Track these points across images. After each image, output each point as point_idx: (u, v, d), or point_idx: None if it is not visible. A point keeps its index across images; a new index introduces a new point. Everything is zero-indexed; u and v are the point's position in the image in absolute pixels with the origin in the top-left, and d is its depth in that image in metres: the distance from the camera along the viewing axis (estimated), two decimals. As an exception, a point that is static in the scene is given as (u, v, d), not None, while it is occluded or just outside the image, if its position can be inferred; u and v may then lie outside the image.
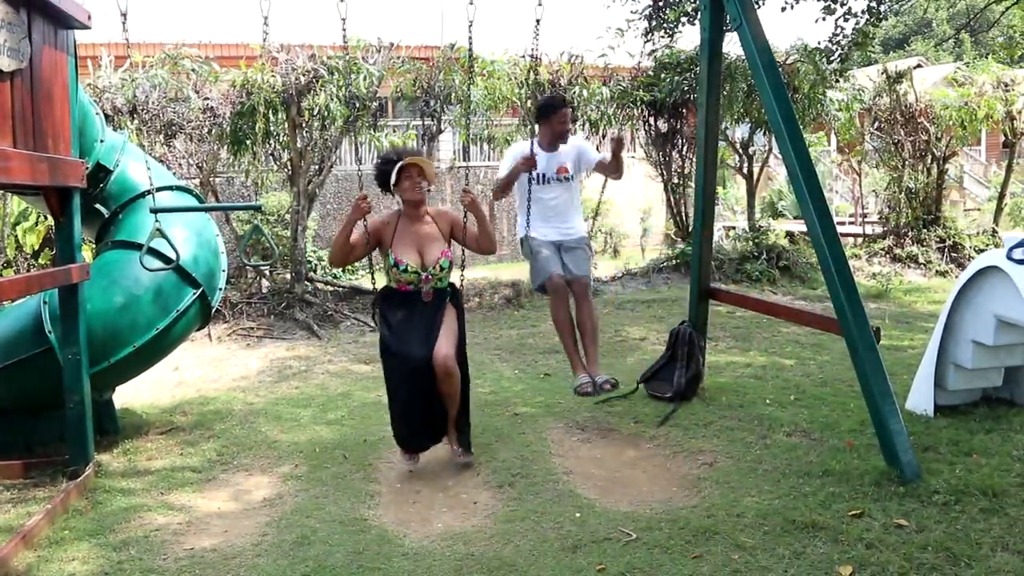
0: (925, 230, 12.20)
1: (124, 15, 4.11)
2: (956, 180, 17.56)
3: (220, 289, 5.12)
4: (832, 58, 10.30)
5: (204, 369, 6.79)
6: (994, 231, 12.68)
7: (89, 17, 4.06)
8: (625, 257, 14.93)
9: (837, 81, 10.99)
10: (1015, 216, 16.00)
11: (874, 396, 3.86)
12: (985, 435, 4.31)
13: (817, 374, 5.95)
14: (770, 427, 4.66)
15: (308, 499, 3.90)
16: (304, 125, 8.74)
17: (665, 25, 10.38)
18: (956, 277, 10.43)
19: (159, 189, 4.74)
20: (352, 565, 3.21)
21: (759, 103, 9.99)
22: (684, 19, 10.26)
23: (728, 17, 4.62)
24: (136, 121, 8.49)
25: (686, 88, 10.40)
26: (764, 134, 11.84)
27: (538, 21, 4.35)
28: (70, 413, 4.12)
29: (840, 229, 12.45)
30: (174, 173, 7.44)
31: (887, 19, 12.02)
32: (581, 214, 5.09)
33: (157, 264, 4.50)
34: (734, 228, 14.46)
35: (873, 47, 11.96)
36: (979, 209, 17.76)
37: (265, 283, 9.29)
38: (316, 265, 11.14)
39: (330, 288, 9.58)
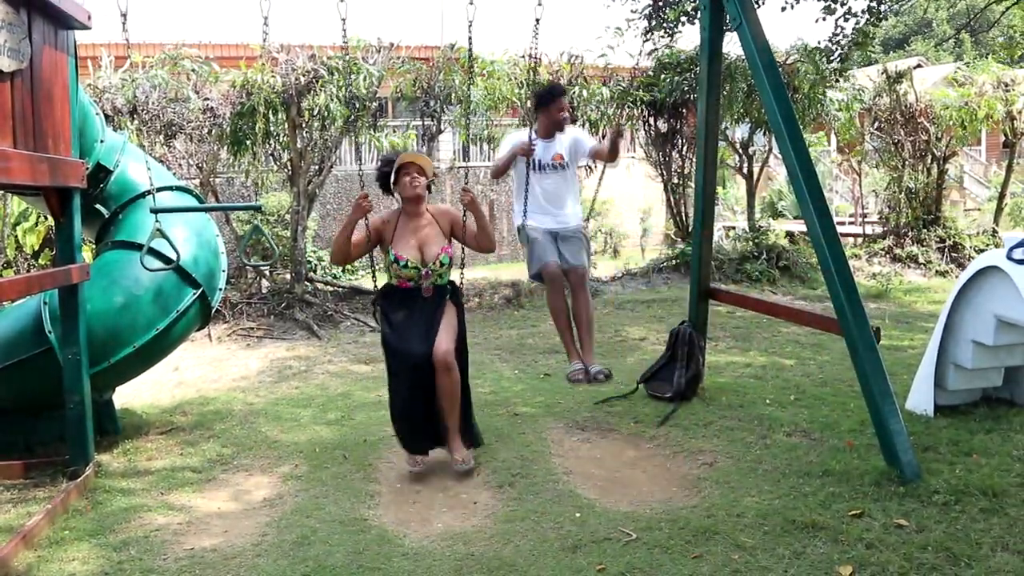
0: (925, 230, 12.20)
1: (124, 15, 4.11)
2: (956, 180, 17.56)
3: (220, 289, 5.12)
4: (832, 58, 10.30)
5: (204, 369, 6.79)
6: (994, 231, 12.68)
7: (89, 17, 4.06)
8: (625, 257, 14.94)
9: (837, 81, 10.99)
10: (1015, 216, 16.00)
11: (874, 396, 3.86)
12: (985, 435, 4.30)
13: (817, 374, 5.94)
14: (770, 427, 4.66)
15: (308, 499, 3.90)
16: (304, 125, 8.75)
17: (665, 25, 10.38)
18: (956, 277, 10.43)
19: (159, 189, 4.74)
20: (352, 565, 3.21)
21: (759, 103, 9.99)
22: (684, 19, 10.26)
23: (728, 17, 4.62)
24: (136, 121, 8.49)
25: (686, 88, 10.40)
26: (764, 134, 11.84)
27: (538, 21, 4.35)
28: (70, 413, 4.12)
29: (840, 229, 12.44)
30: (174, 173, 7.44)
31: (887, 19, 12.02)
32: (578, 203, 5.11)
33: (157, 264, 4.51)
34: (734, 228, 14.46)
35: (873, 47, 11.96)
36: (979, 209, 17.76)
37: (265, 283, 9.29)
38: (316, 265, 11.14)
39: (330, 288, 9.58)
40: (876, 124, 12.63)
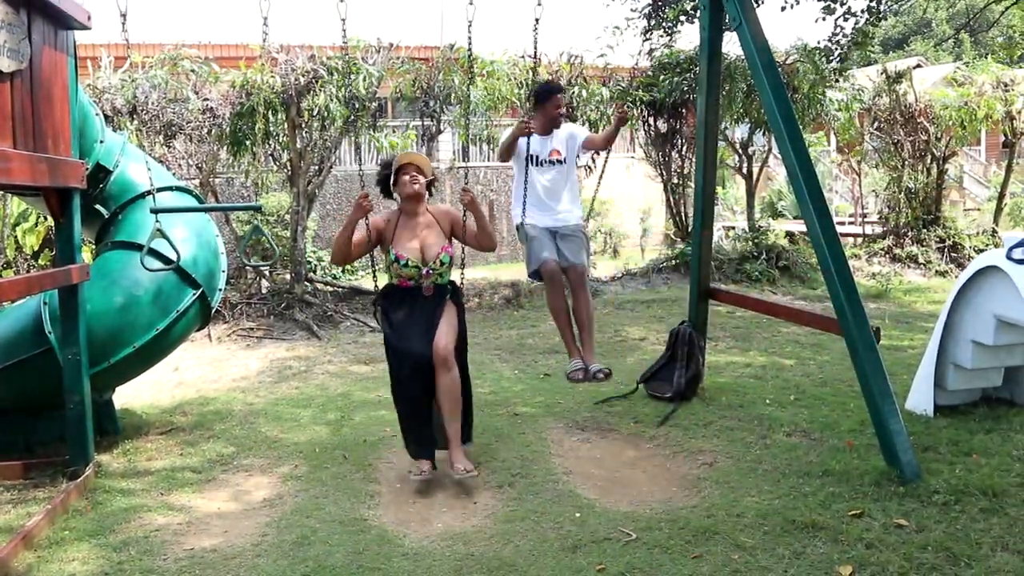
0: (925, 230, 12.20)
1: (124, 16, 4.11)
2: (956, 180, 17.57)
3: (220, 290, 5.12)
4: (832, 58, 10.30)
5: (204, 369, 6.79)
6: (994, 231, 12.69)
7: (89, 18, 4.06)
8: (625, 257, 14.94)
9: (837, 81, 10.99)
10: (1015, 216, 16.00)
11: (874, 396, 3.86)
12: (985, 435, 4.31)
13: (817, 374, 5.95)
14: (770, 427, 4.66)
15: (308, 499, 3.90)
16: (304, 126, 8.75)
17: (664, 24, 10.38)
18: (956, 277, 10.43)
19: (159, 190, 4.74)
20: (352, 565, 3.21)
21: (759, 103, 9.99)
22: (683, 18, 10.26)
23: (727, 17, 4.62)
24: (136, 122, 8.49)
25: (685, 88, 10.40)
26: (764, 134, 11.84)
27: (537, 21, 4.35)
28: (70, 413, 4.12)
29: (840, 229, 12.43)
30: (174, 174, 7.44)
31: (887, 19, 12.03)
32: (578, 202, 5.09)
33: (157, 264, 4.50)
34: (734, 228, 14.46)
35: (873, 47, 11.98)
36: (979, 209, 17.77)
37: (265, 283, 9.29)
38: (316, 265, 11.14)
39: (330, 288, 9.58)
40: (876, 124, 12.63)
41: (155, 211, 4.32)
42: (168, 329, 4.69)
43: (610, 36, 10.84)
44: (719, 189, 17.19)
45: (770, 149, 12.21)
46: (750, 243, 11.24)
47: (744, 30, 4.36)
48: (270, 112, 8.40)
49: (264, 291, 9.07)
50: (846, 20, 9.76)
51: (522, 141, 4.71)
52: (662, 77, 10.64)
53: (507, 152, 4.86)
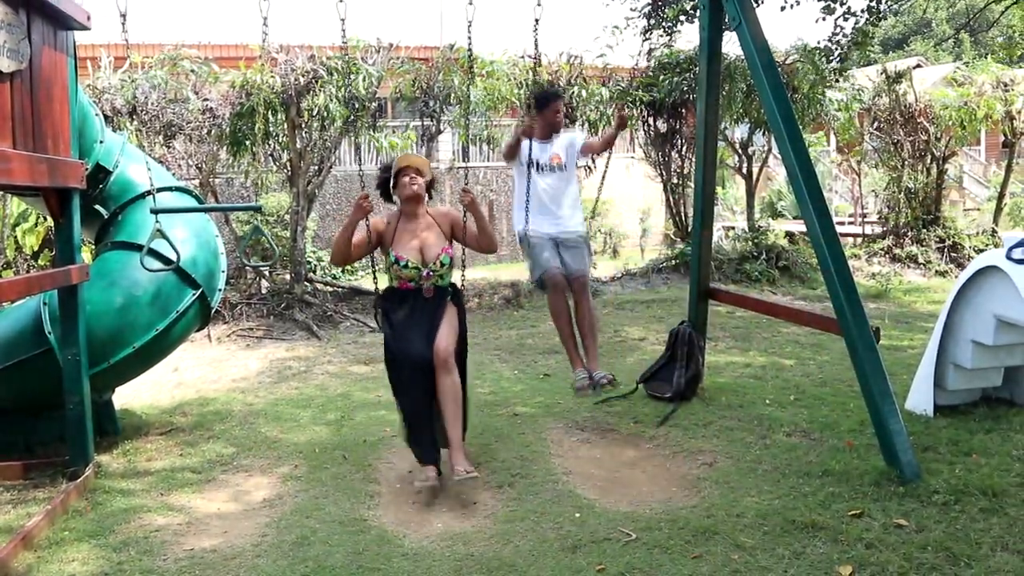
0: (925, 230, 12.21)
1: (123, 16, 4.11)
2: (956, 180, 17.58)
3: (220, 290, 5.12)
4: (832, 58, 10.30)
5: (204, 370, 6.79)
6: (994, 231, 12.69)
7: (88, 18, 4.06)
8: (624, 257, 14.94)
9: (837, 81, 10.99)
10: (1015, 216, 16.01)
11: (874, 396, 3.86)
12: (985, 435, 4.31)
13: (817, 374, 5.95)
14: (770, 427, 4.66)
15: (308, 500, 3.90)
16: (303, 126, 8.75)
17: (664, 24, 10.38)
18: (956, 277, 10.43)
19: (159, 190, 4.73)
20: (352, 565, 3.21)
21: (758, 103, 9.99)
22: (683, 18, 10.25)
23: (727, 17, 4.62)
24: (135, 122, 8.49)
25: (685, 88, 10.40)
26: (763, 134, 11.84)
27: (537, 21, 4.35)
28: (70, 414, 4.12)
29: (839, 229, 12.46)
30: (173, 174, 7.44)
31: (887, 19, 12.03)
32: (580, 209, 5.07)
33: (157, 265, 4.50)
34: (733, 228, 14.47)
35: (872, 47, 11.97)
36: (979, 209, 17.77)
37: (264, 284, 9.29)
38: (316, 266, 11.14)
39: (329, 289, 9.58)
40: (875, 124, 12.64)
41: (155, 211, 4.32)
42: (168, 329, 4.69)
43: (609, 36, 10.83)
44: (719, 189, 17.20)
45: (770, 149, 12.21)
46: (750, 243, 11.24)
47: (744, 30, 4.36)
48: (270, 112, 8.39)
49: (264, 291, 9.07)
50: (846, 20, 9.75)
51: (523, 147, 4.70)
52: (662, 77, 10.63)
53: (511, 151, 4.84)
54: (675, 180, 11.41)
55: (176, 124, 8.68)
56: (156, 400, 5.78)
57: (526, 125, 4.64)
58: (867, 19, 9.66)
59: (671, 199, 11.55)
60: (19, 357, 4.42)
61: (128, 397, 5.59)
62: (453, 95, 9.66)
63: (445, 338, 3.97)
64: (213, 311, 5.15)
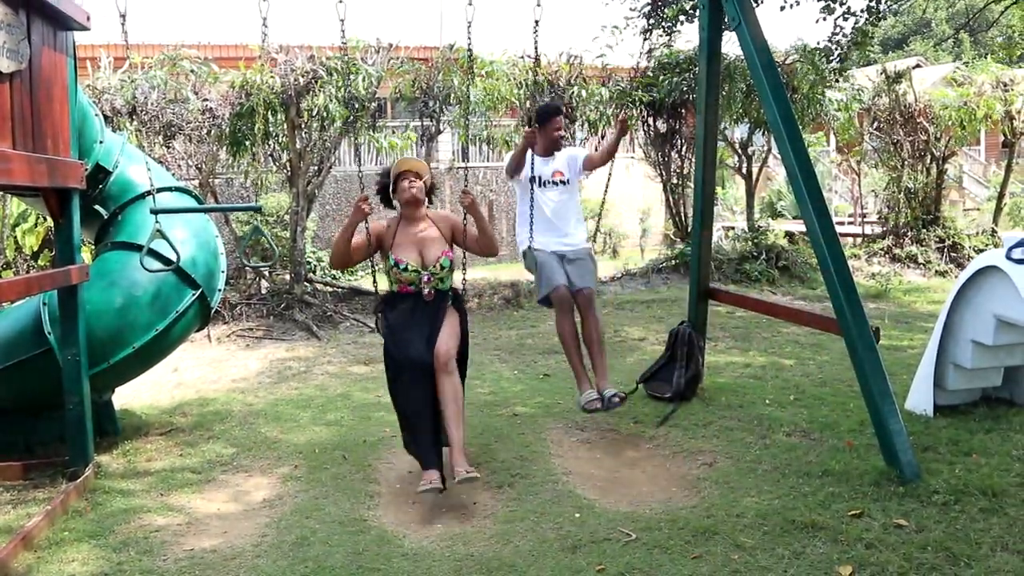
0: (924, 230, 12.21)
1: (123, 16, 4.11)
2: (955, 180, 17.58)
3: (219, 290, 5.12)
4: (831, 58, 10.30)
5: (203, 370, 6.79)
6: (993, 231, 12.69)
7: (88, 18, 4.05)
8: (624, 257, 14.94)
9: (836, 81, 10.99)
10: (1014, 216, 16.01)
11: (873, 396, 3.86)
12: (985, 435, 4.31)
13: (817, 374, 5.95)
14: (770, 427, 4.66)
15: (308, 500, 3.90)
16: (303, 126, 8.75)
17: (663, 23, 10.38)
18: (955, 277, 10.44)
19: (159, 190, 4.73)
20: (352, 566, 3.21)
21: (758, 103, 10.00)
22: (683, 18, 10.25)
23: (727, 17, 4.62)
24: (135, 122, 8.49)
25: (685, 88, 10.40)
26: (763, 134, 11.85)
27: (537, 22, 4.34)
28: (70, 414, 4.12)
29: (839, 229, 12.48)
30: (173, 174, 7.44)
31: (886, 18, 12.04)
32: (583, 224, 4.99)
33: (157, 265, 4.50)
34: (733, 228, 14.47)
35: (872, 47, 11.98)
36: (978, 209, 17.78)
37: (264, 284, 9.29)
38: (315, 266, 11.14)
39: (329, 289, 9.58)
40: (875, 124, 12.64)
41: (155, 212, 4.32)
42: (167, 330, 4.69)
43: (609, 36, 10.83)
44: (719, 189, 17.20)
45: (769, 149, 12.21)
46: (750, 243, 11.24)
47: (743, 30, 4.36)
48: (269, 112, 8.40)
49: (264, 292, 9.07)
50: (845, 20, 9.75)
51: (524, 166, 4.63)
52: (661, 77, 10.64)
53: (517, 164, 4.75)
54: (675, 180, 11.42)
55: (176, 124, 8.68)
56: (156, 400, 5.78)
57: (529, 132, 4.59)
58: (867, 19, 9.67)
59: (671, 199, 11.56)
60: (19, 357, 4.42)
61: (128, 397, 5.59)
62: (453, 95, 9.66)
63: (446, 341, 3.93)
64: (213, 311, 5.15)
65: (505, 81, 9.80)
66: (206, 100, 8.70)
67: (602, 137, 10.59)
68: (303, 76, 8.39)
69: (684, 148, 11.19)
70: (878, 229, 13.28)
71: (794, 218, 17.31)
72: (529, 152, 4.66)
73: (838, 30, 9.87)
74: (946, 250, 12.09)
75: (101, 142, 4.78)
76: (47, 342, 4.36)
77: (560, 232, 4.79)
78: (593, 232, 5.57)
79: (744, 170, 12.24)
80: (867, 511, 3.45)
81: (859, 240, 13.42)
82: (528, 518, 3.60)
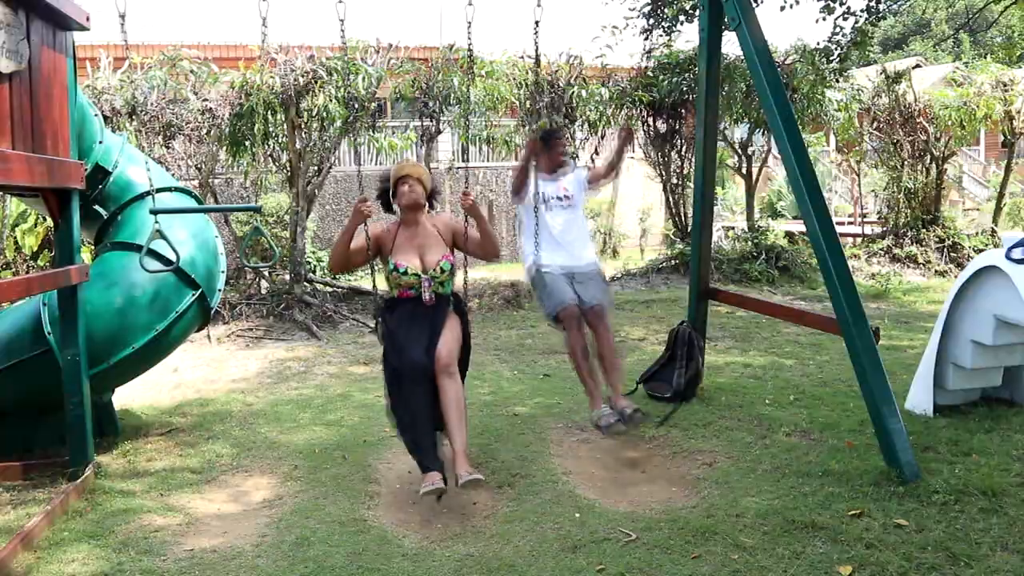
0: (924, 230, 12.22)
1: (123, 17, 4.11)
2: (955, 180, 17.58)
3: (219, 290, 5.11)
4: (831, 58, 10.31)
5: (203, 370, 6.79)
6: (993, 231, 12.70)
7: (88, 19, 4.05)
8: (624, 257, 14.94)
9: (836, 81, 11.00)
10: (1014, 216, 16.02)
11: (873, 396, 3.86)
12: (984, 435, 4.31)
13: (817, 374, 5.95)
14: (769, 427, 4.66)
15: (308, 500, 3.90)
16: (303, 126, 8.75)
17: (663, 23, 10.39)
18: (955, 277, 10.44)
19: (158, 191, 4.73)
20: (352, 566, 3.21)
21: (758, 103, 10.00)
22: (682, 18, 10.27)
23: (727, 17, 4.62)
24: (135, 122, 8.49)
25: (684, 88, 10.41)
26: (763, 134, 11.85)
27: (537, 23, 4.34)
28: (70, 414, 4.12)
29: (839, 229, 12.49)
30: (173, 174, 7.45)
31: (886, 18, 12.05)
32: (591, 242, 4.91)
33: (156, 265, 4.50)
34: (733, 228, 14.48)
35: (872, 47, 12.00)
36: (978, 209, 17.79)
37: (264, 284, 9.29)
38: (315, 266, 11.15)
39: (329, 289, 9.58)
40: (875, 124, 12.65)
41: (154, 212, 4.32)
42: (167, 330, 4.69)
43: (609, 36, 10.84)
44: (719, 189, 17.21)
45: (769, 149, 12.22)
46: (749, 243, 11.25)
47: (743, 30, 4.36)
48: (269, 113, 8.39)
49: (263, 292, 9.07)
50: (845, 20, 9.77)
51: (529, 185, 4.56)
52: (661, 77, 10.64)
53: (520, 184, 4.64)
54: (675, 180, 11.43)
55: (175, 125, 8.68)
56: (156, 401, 5.78)
57: (532, 144, 4.54)
58: (866, 19, 9.68)
59: (671, 199, 11.56)
60: (19, 358, 4.42)
61: (128, 397, 5.59)
62: (453, 95, 9.66)
63: (447, 345, 3.85)
64: (212, 312, 5.15)
65: (505, 81, 9.80)
66: (206, 100, 8.71)
67: (602, 137, 10.58)
68: (303, 76, 8.39)
69: (684, 148, 11.19)
70: (878, 229, 13.29)
71: (794, 218, 17.32)
72: (533, 174, 4.57)
73: (838, 30, 9.89)
74: (946, 250, 12.10)
75: (101, 142, 4.78)
76: (47, 342, 4.36)
77: (567, 251, 4.66)
78: (608, 227, 5.50)
79: (744, 170, 12.25)
80: (867, 511, 3.45)
81: (859, 240, 13.43)
82: (528, 518, 3.60)
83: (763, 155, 12.48)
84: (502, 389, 5.90)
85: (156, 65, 8.80)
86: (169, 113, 8.60)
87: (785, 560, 3.10)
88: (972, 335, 4.53)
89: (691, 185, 10.21)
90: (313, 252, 11.59)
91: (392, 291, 4.10)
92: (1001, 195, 13.31)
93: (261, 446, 4.74)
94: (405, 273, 3.99)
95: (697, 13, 7.41)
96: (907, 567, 2.99)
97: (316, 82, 8.41)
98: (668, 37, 10.75)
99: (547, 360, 6.82)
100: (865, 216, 15.63)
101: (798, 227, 13.37)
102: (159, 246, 4.46)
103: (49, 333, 4.35)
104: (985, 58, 14.16)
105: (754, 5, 5.16)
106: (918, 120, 12.02)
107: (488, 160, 15.91)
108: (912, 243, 12.16)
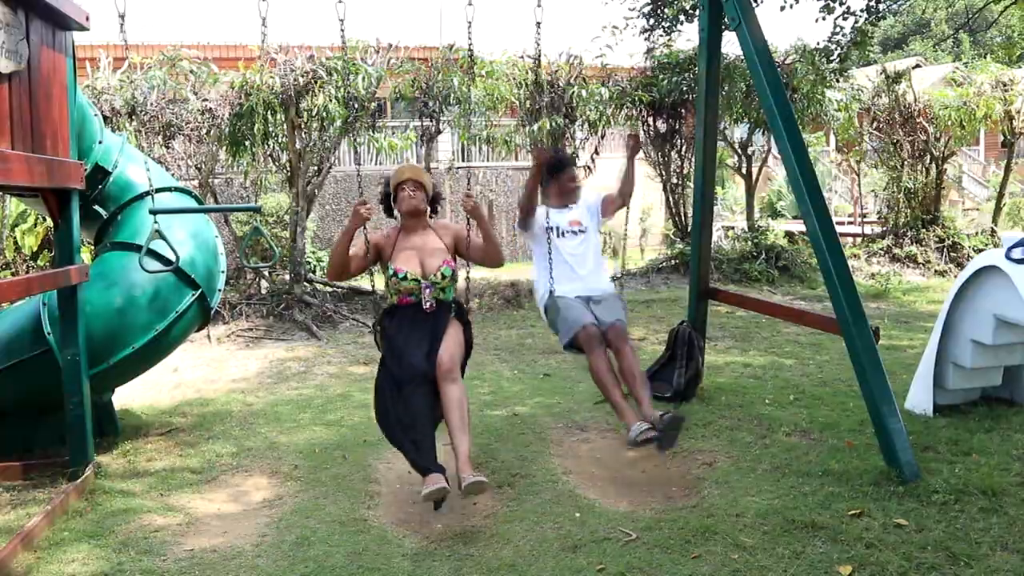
0: (924, 230, 12.23)
1: (122, 17, 4.10)
2: (955, 180, 17.59)
3: (219, 290, 5.11)
4: (831, 57, 10.31)
5: (203, 370, 6.78)
6: (993, 231, 12.71)
7: (87, 18, 4.05)
8: (624, 257, 14.93)
9: (836, 81, 11.00)
10: (1014, 216, 16.02)
11: (873, 396, 3.86)
12: (984, 434, 4.31)
13: (817, 374, 5.95)
14: (769, 427, 4.66)
15: (308, 500, 3.90)
16: (303, 126, 8.75)
17: (663, 23, 10.39)
18: (955, 277, 10.43)
19: (158, 191, 4.73)
20: (352, 566, 3.21)
21: (758, 103, 10.00)
22: (682, 17, 10.27)
23: (727, 17, 4.62)
24: (134, 122, 8.50)
25: (684, 88, 10.41)
26: (763, 134, 11.86)
27: (539, 24, 4.32)
28: (70, 414, 4.12)
29: (839, 229, 12.48)
30: (173, 174, 7.44)
31: (886, 18, 12.05)
32: (605, 268, 4.78)
33: (156, 266, 4.49)
34: (733, 228, 14.48)
35: (872, 47, 12.00)
36: (978, 209, 17.80)
37: (264, 284, 9.29)
38: (315, 266, 11.15)
39: (329, 289, 9.58)
40: (875, 124, 12.66)
41: (154, 212, 4.31)
42: (167, 330, 4.69)
43: (609, 36, 10.85)
44: (719, 189, 17.20)
45: (769, 149, 12.22)
46: (749, 243, 11.25)
47: (744, 30, 4.36)
48: (269, 113, 8.39)
49: (263, 292, 9.07)
50: (845, 20, 9.77)
51: (539, 215, 4.44)
52: (661, 77, 10.64)
53: (526, 214, 4.48)
54: (675, 180, 11.43)
55: (175, 125, 8.68)
56: (156, 401, 5.78)
57: (539, 153, 4.46)
58: (866, 18, 9.68)
59: (671, 199, 11.56)
60: (19, 358, 4.42)
61: (128, 397, 5.59)
62: (453, 95, 9.66)
63: (449, 350, 3.77)
64: (212, 312, 5.15)
65: (505, 81, 9.80)
66: (205, 100, 8.71)
67: (602, 137, 10.58)
68: (303, 76, 8.39)
69: (684, 148, 11.20)
70: (878, 229, 13.30)
71: (794, 218, 17.32)
72: (542, 206, 4.47)
73: (838, 30, 9.89)
74: (946, 250, 12.11)
75: (100, 142, 4.78)
76: (47, 342, 4.36)
77: (582, 278, 4.50)
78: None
79: (744, 170, 12.25)
80: (867, 511, 3.45)
81: (859, 240, 13.43)
82: (528, 518, 3.59)
83: (763, 155, 12.48)
84: (502, 389, 5.90)
85: (156, 65, 8.80)
86: (169, 113, 8.60)
87: (785, 560, 3.10)
88: (972, 335, 4.53)
89: (691, 185, 10.21)
90: (313, 252, 11.58)
91: (392, 298, 4.02)
92: (1001, 195, 13.31)
93: (261, 446, 4.74)
94: (405, 278, 3.90)
95: (697, 13, 7.41)
96: (907, 567, 2.99)
97: (316, 82, 8.41)
98: (668, 37, 10.75)
99: (547, 360, 6.82)
100: (865, 216, 15.63)
101: (798, 227, 13.37)
102: (159, 246, 4.45)
103: (49, 333, 4.35)
104: (985, 58, 14.17)
105: (754, 5, 5.16)
106: (918, 120, 12.03)
107: (488, 160, 15.90)
108: (912, 243, 12.17)
